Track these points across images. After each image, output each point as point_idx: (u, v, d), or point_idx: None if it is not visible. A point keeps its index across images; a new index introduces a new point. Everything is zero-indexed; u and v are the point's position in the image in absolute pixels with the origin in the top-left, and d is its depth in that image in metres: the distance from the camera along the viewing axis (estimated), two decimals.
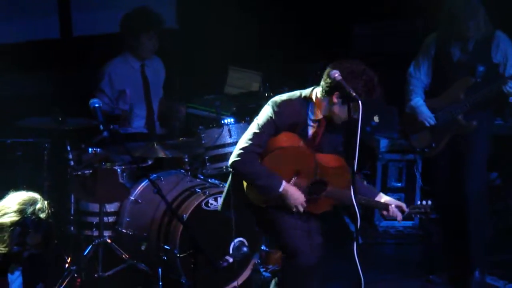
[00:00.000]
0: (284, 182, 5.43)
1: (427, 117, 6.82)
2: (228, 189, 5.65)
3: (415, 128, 6.90)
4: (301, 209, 5.50)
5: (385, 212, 5.60)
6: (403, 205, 5.60)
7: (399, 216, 5.60)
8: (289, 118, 5.40)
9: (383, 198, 5.64)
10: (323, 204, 5.59)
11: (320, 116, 5.44)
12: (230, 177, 5.66)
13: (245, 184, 5.51)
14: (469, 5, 6.60)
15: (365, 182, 5.84)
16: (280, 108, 5.38)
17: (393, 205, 5.58)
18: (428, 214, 5.71)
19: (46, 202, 4.93)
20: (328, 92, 5.36)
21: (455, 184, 6.83)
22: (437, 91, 6.84)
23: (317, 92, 5.45)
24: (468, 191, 6.75)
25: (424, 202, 5.70)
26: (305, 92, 5.50)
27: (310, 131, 5.47)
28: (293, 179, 5.48)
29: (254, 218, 5.70)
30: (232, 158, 5.44)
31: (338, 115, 5.39)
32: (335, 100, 5.35)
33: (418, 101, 6.86)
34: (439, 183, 7.00)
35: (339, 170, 5.47)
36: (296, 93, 5.51)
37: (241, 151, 5.39)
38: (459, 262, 6.94)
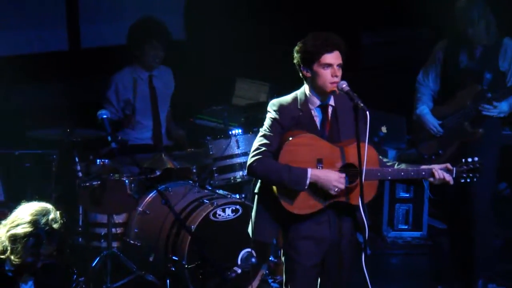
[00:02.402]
0: (309, 168, 5.08)
1: (432, 125, 6.81)
2: (257, 210, 5.26)
3: (424, 136, 6.89)
4: (342, 186, 5.09)
5: (431, 179, 5.22)
6: (447, 164, 5.23)
7: (448, 177, 5.20)
8: (290, 113, 5.19)
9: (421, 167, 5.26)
10: (366, 190, 5.12)
11: (318, 103, 5.21)
12: (255, 199, 5.30)
13: (275, 189, 5.14)
14: (468, 13, 6.57)
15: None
16: (277, 106, 5.21)
17: (436, 167, 5.22)
18: (477, 171, 5.26)
19: (58, 212, 4.92)
20: (305, 78, 5.20)
21: (463, 193, 6.81)
22: (445, 98, 6.83)
23: (305, 85, 5.27)
24: (474, 200, 6.72)
25: (470, 159, 5.28)
26: (299, 90, 5.31)
27: (318, 121, 5.23)
28: (318, 167, 5.12)
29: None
30: (248, 164, 5.19)
31: (323, 81, 5.13)
32: (307, 74, 5.17)
33: (423, 109, 6.85)
34: (447, 192, 6.97)
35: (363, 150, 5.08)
36: (291, 94, 5.33)
37: (254, 153, 5.17)
38: (466, 271, 6.91)
